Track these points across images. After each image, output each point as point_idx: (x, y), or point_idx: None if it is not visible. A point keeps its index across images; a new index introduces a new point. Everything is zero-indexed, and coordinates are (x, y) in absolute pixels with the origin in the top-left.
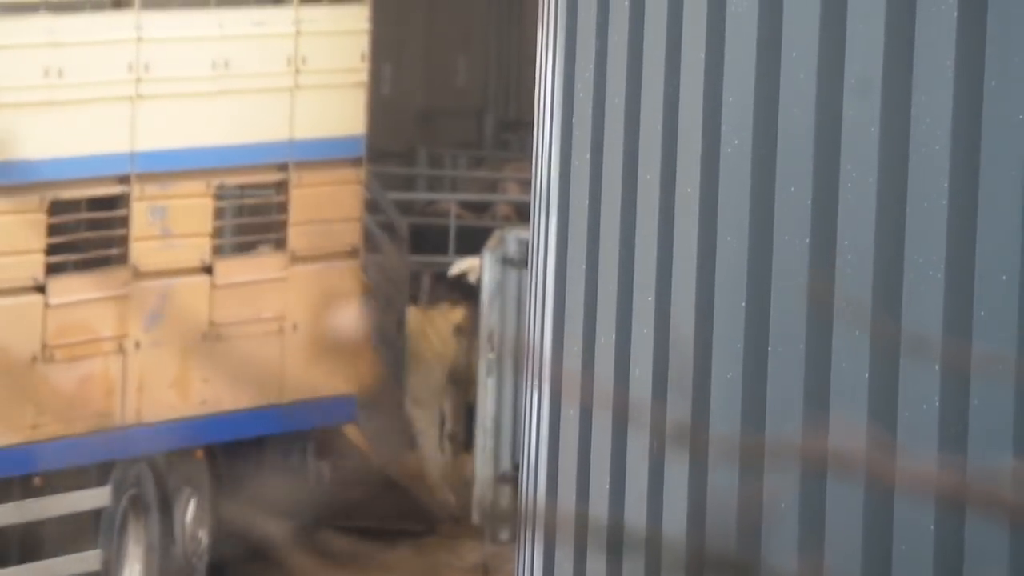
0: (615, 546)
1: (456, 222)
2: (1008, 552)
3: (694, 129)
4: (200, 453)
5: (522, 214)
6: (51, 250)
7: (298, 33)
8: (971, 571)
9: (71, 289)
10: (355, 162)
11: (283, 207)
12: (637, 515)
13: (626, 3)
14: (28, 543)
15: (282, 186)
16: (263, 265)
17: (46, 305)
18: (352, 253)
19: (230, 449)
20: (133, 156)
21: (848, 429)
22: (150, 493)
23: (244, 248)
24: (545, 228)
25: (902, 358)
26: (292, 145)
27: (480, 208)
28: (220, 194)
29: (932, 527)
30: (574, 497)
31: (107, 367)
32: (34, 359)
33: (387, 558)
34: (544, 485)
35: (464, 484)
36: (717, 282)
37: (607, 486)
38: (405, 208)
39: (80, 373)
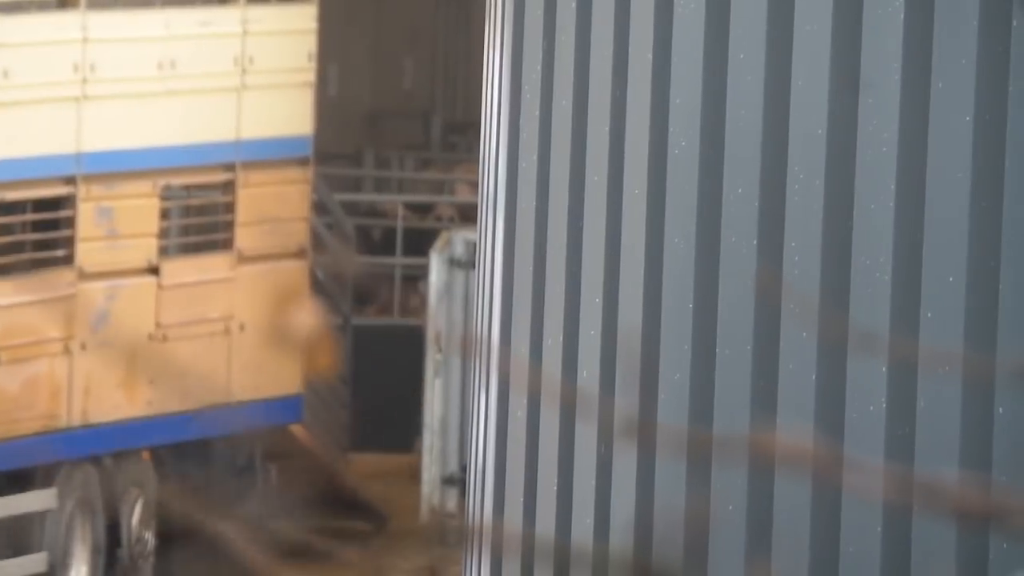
0: (561, 555)
1: (399, 223)
2: (955, 551)
3: (641, 130)
4: (147, 454)
5: (465, 215)
6: None
7: (245, 33)
8: (918, 571)
9: (16, 290)
10: (302, 162)
11: (230, 207)
12: (584, 519)
13: (573, 5)
14: None
15: (229, 186)
16: (210, 265)
17: None
18: (299, 253)
19: (177, 450)
20: (79, 157)
21: (795, 431)
22: (96, 495)
23: (191, 249)
24: (493, 229)
25: (849, 357)
26: (239, 145)
27: (424, 210)
28: (167, 195)
29: (880, 528)
30: (521, 498)
31: (53, 368)
32: None
33: (336, 557)
34: (491, 485)
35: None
36: (664, 283)
37: (555, 486)
38: (351, 209)
39: (26, 375)
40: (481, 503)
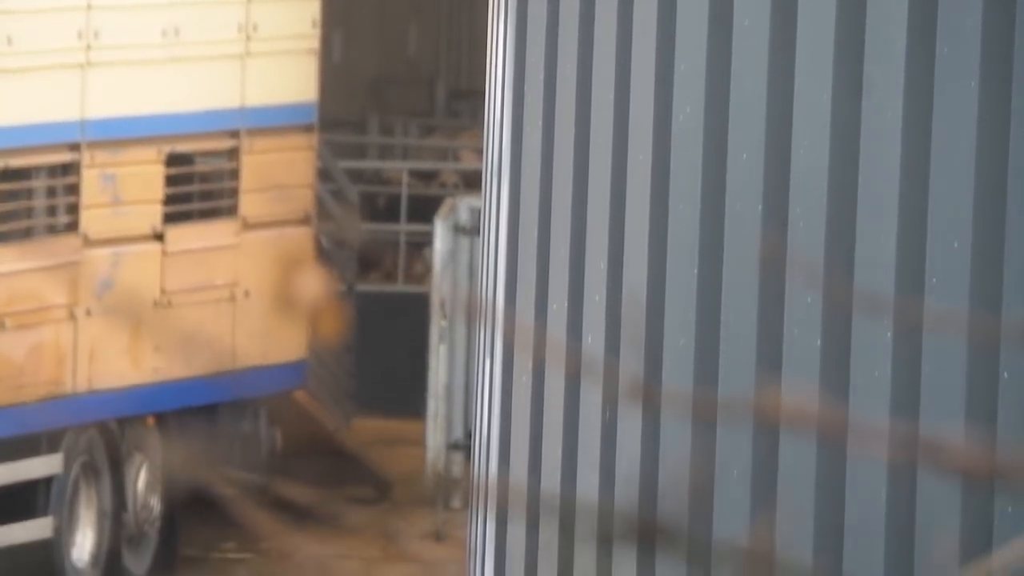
0: (566, 516)
1: (403, 190)
2: (960, 513)
3: (646, 97)
4: (152, 420)
5: (469, 182)
6: (1, 218)
7: None
8: (923, 532)
9: (21, 257)
10: (307, 129)
11: (235, 174)
12: (589, 482)
13: None
14: None
15: (233, 153)
16: (214, 232)
17: None
18: (304, 220)
19: (182, 416)
20: (83, 124)
21: (800, 392)
22: (102, 460)
23: (195, 215)
24: (497, 196)
25: (854, 322)
26: (243, 112)
27: (429, 176)
28: (171, 161)
29: (884, 489)
30: (526, 462)
31: (58, 335)
32: None
33: (341, 523)
34: (496, 451)
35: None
36: (669, 249)
37: (559, 451)
38: (356, 176)
39: (31, 341)
40: (486, 468)
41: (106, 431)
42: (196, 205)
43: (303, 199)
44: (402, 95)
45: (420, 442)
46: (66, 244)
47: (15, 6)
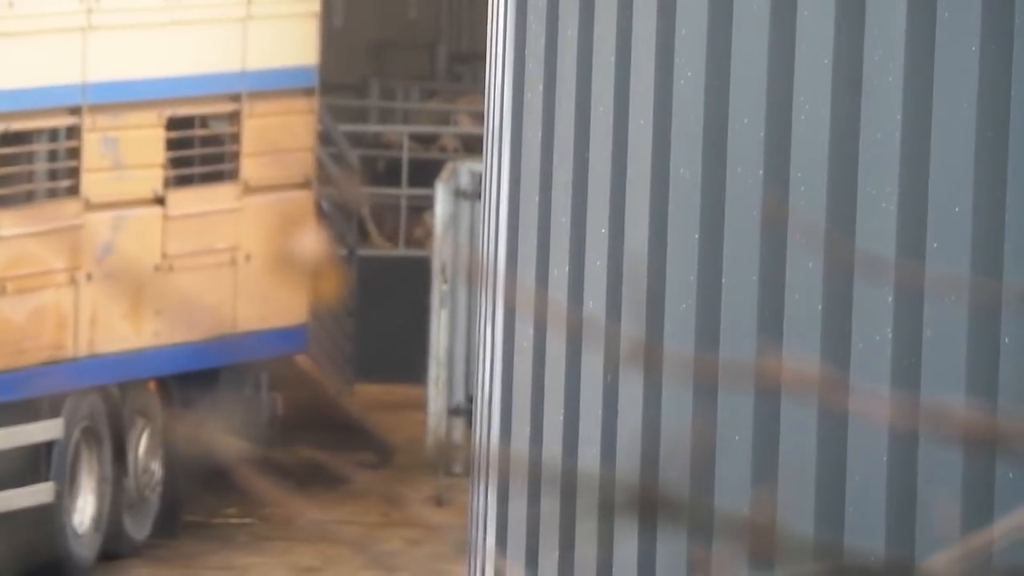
0: (568, 481)
1: (400, 154)
2: (961, 479)
3: (647, 61)
4: (153, 385)
5: (470, 146)
6: (2, 181)
7: None
8: (924, 499)
9: (22, 221)
10: (307, 92)
11: (235, 138)
12: (591, 446)
13: None
14: None
15: (234, 116)
16: (216, 196)
17: None
18: (305, 183)
19: (183, 380)
20: (84, 87)
21: (801, 358)
22: (103, 425)
23: (197, 179)
24: (498, 160)
25: (856, 286)
26: (244, 75)
27: (429, 141)
28: (172, 125)
29: (885, 455)
30: (528, 428)
31: (59, 299)
32: None
33: (343, 486)
34: (498, 416)
35: None
36: (670, 213)
37: (561, 415)
38: (356, 140)
39: (32, 305)
40: (487, 433)
41: (107, 396)
42: (197, 169)
43: (304, 163)
44: (403, 59)
45: (421, 407)
46: (67, 208)
47: None
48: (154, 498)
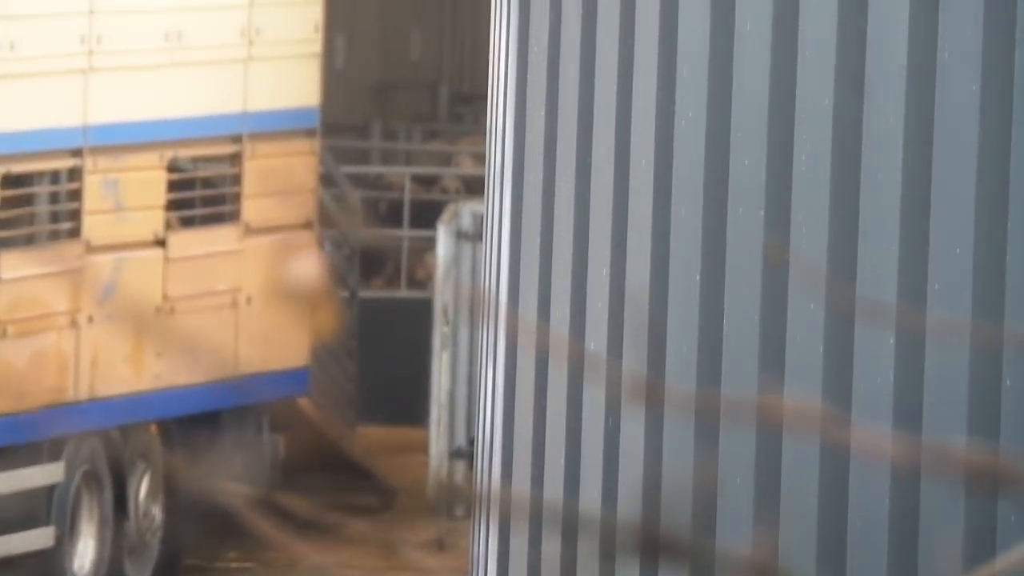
0: (570, 523)
1: (402, 195)
2: (963, 520)
3: (648, 102)
4: (154, 427)
5: (470, 187)
6: (3, 224)
7: (251, 4)
8: (926, 540)
9: (24, 263)
10: (309, 133)
11: (237, 179)
12: (592, 488)
13: None
14: None
15: (236, 158)
16: (217, 238)
17: None
18: (307, 225)
19: (184, 423)
20: (86, 129)
21: (803, 399)
22: (103, 468)
23: (198, 221)
24: (500, 201)
25: (857, 328)
26: (246, 117)
27: (430, 182)
28: (173, 166)
29: (888, 495)
30: (529, 471)
31: (60, 342)
32: None
33: (343, 533)
34: (499, 459)
35: None
36: (672, 255)
37: (562, 460)
38: (358, 181)
39: (33, 348)
40: (489, 476)
41: (108, 439)
42: (198, 210)
43: (305, 204)
44: (405, 100)
45: (423, 449)
46: (68, 250)
47: (18, 11)
48: (155, 542)
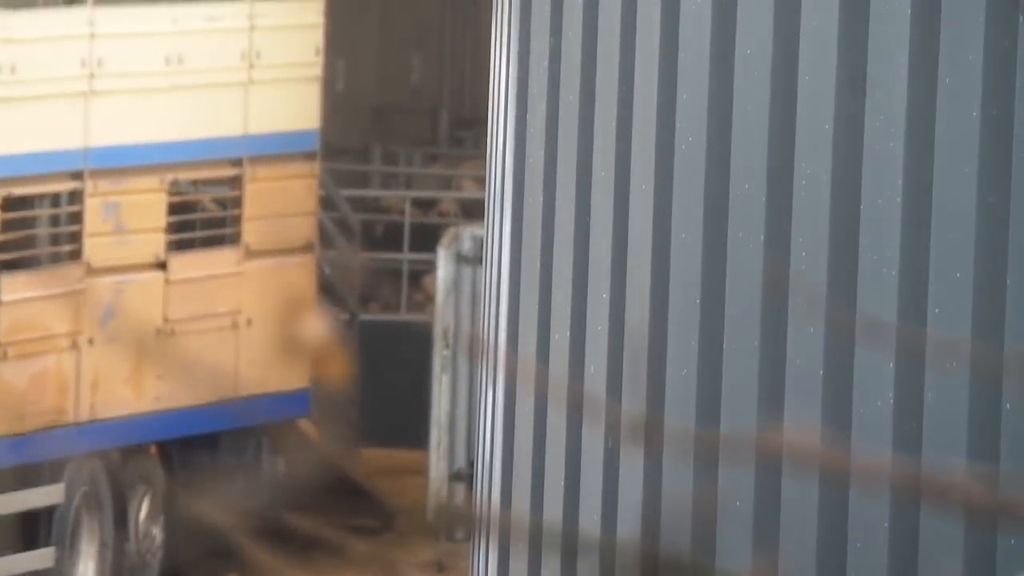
0: (569, 546)
1: (402, 219)
2: (963, 548)
3: (648, 126)
4: (154, 449)
5: (468, 211)
6: (4, 246)
7: (252, 27)
8: (926, 567)
9: (25, 286)
10: (309, 157)
11: (237, 202)
12: (592, 512)
13: (580, 1)
14: None
15: (236, 181)
16: (217, 260)
17: None
18: (307, 248)
19: (185, 445)
20: (87, 152)
21: (802, 426)
22: (104, 490)
23: (198, 243)
24: (500, 225)
25: (857, 352)
26: (246, 140)
27: (429, 205)
28: (174, 189)
29: (887, 524)
30: (529, 494)
31: (61, 364)
32: None
33: (343, 554)
34: (499, 482)
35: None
36: (672, 279)
37: (562, 483)
38: (358, 205)
39: (34, 370)
40: (488, 498)
41: (108, 461)
42: (199, 233)
43: (305, 227)
44: (405, 123)
45: (423, 471)
46: (69, 273)
47: (19, 35)
48: (155, 563)
